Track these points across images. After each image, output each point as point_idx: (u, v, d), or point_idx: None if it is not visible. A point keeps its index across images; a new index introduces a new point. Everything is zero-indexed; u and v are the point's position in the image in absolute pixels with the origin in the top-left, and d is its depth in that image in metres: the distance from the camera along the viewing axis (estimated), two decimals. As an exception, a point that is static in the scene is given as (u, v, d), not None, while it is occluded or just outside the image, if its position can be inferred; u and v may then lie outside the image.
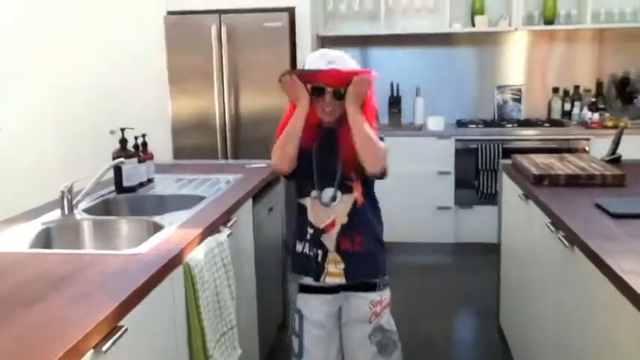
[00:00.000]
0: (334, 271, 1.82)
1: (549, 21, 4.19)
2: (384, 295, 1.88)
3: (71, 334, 1.08)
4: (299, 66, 4.57)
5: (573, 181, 2.26)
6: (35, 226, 1.85)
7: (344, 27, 4.50)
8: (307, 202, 1.84)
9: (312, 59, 1.81)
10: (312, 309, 1.87)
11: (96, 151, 2.29)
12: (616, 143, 2.74)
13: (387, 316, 1.89)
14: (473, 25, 4.31)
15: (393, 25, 4.42)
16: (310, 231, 1.83)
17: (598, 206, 1.92)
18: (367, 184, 1.85)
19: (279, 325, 2.92)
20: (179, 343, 1.57)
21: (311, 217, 1.83)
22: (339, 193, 1.80)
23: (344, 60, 1.78)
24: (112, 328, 1.18)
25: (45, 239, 1.85)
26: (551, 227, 1.90)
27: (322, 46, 4.53)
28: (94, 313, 1.16)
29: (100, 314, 1.16)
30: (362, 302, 1.85)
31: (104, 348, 1.12)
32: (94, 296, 1.26)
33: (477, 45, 4.51)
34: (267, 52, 3.97)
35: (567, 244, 1.74)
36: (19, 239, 1.75)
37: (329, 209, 1.80)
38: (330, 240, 1.81)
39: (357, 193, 1.82)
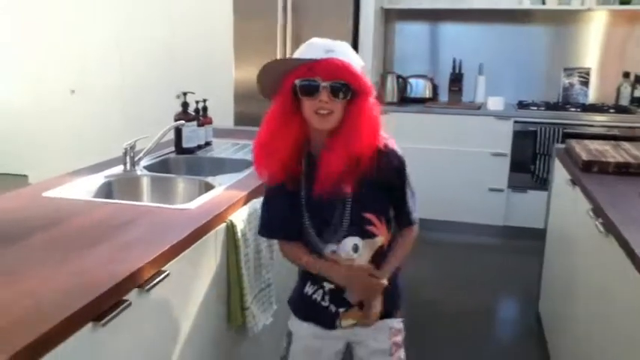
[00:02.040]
0: (348, 324, 1.54)
1: (626, 1, 4.01)
2: (401, 324, 1.59)
3: (119, 273, 1.22)
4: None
5: (624, 170, 2.22)
6: (99, 179, 2.03)
7: (409, 0, 4.47)
8: (320, 260, 1.48)
9: (303, 48, 1.39)
10: (308, 340, 1.59)
11: (161, 113, 2.45)
12: (678, 134, 2.64)
13: (403, 352, 1.59)
14: (543, 2, 4.18)
15: (460, 0, 4.35)
16: (330, 286, 1.51)
17: (643, 196, 1.90)
18: (387, 211, 1.50)
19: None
20: (219, 294, 1.70)
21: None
22: (360, 241, 1.46)
23: (346, 50, 1.39)
24: (155, 271, 1.31)
25: (107, 191, 2.02)
26: (591, 214, 1.89)
27: (386, 20, 4.53)
28: (141, 257, 1.30)
29: (145, 258, 1.29)
30: (381, 331, 1.55)
31: (147, 287, 1.26)
32: (143, 243, 1.40)
33: (547, 24, 4.38)
34: (329, 24, 4.02)
35: (603, 230, 1.74)
36: (84, 189, 1.92)
37: (350, 261, 1.46)
38: (352, 296, 1.49)
39: (381, 235, 1.47)
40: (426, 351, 2.65)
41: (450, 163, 4.12)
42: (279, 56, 4.13)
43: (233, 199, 1.78)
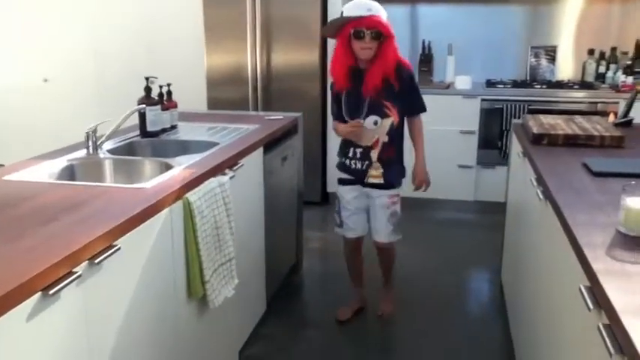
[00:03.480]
0: (375, 174, 2.51)
1: (588, -20, 4.08)
2: (398, 191, 2.58)
3: (71, 246, 1.28)
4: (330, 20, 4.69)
5: (572, 142, 2.32)
6: (61, 163, 2.08)
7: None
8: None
9: (352, 7, 2.33)
10: (347, 194, 2.60)
11: (134, 99, 2.51)
12: (629, 106, 2.74)
13: (399, 206, 2.60)
14: (508, -18, 4.25)
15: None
16: (359, 149, 2.49)
17: (584, 165, 1.98)
18: (399, 106, 2.45)
19: (291, 267, 3.13)
20: (177, 268, 1.78)
21: (359, 139, 2.47)
22: (379, 119, 2.44)
23: (379, 9, 2.34)
24: (106, 245, 1.38)
25: (69, 174, 2.08)
26: (534, 183, 1.98)
27: (355, 2, 4.58)
28: (92, 232, 1.36)
29: (96, 233, 1.36)
30: (386, 195, 2.55)
31: (96, 261, 1.33)
32: (95, 219, 1.47)
33: (514, 3, 4.45)
34: (298, 7, 4.08)
35: (542, 197, 1.83)
36: (45, 173, 1.98)
37: (373, 131, 2.44)
38: (375, 153, 2.48)
39: (393, 117, 2.45)
40: (400, 324, 2.75)
41: (421, 142, 4.19)
42: (249, 41, 4.18)
43: (189, 178, 1.85)
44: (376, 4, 2.35)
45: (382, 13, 2.34)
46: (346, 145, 2.54)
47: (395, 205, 2.58)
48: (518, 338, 2.33)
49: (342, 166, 2.59)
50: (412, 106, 2.53)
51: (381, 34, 2.32)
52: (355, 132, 2.44)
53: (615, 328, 1.00)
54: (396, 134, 2.48)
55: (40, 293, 1.17)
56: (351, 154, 2.52)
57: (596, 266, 1.19)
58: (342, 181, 2.61)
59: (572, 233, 1.40)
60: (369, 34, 2.30)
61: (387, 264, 2.78)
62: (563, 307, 1.52)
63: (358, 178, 2.53)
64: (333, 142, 4.33)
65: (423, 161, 2.58)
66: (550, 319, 1.69)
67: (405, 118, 2.54)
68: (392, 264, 2.80)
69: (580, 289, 1.21)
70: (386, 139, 2.46)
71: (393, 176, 2.53)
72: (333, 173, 4.36)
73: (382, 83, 2.37)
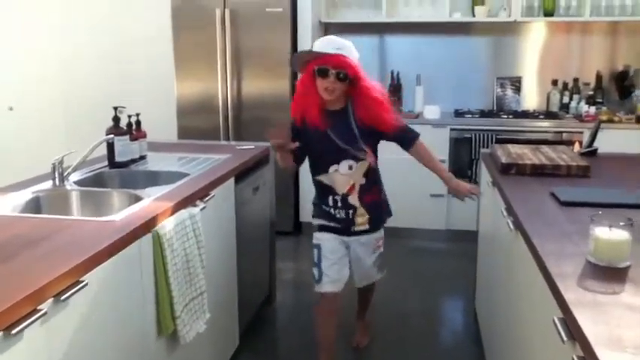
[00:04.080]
0: (361, 221, 2.37)
1: (549, 13, 4.23)
2: (382, 233, 2.49)
3: (34, 283, 1.24)
4: (302, 48, 4.67)
5: (539, 171, 2.36)
6: (26, 195, 2.03)
7: (346, 14, 4.60)
8: (326, 177, 2.31)
9: (321, 43, 2.20)
10: (328, 242, 2.38)
11: (102, 129, 2.47)
12: (593, 136, 2.81)
13: (382, 245, 2.51)
14: (473, 15, 4.37)
15: (394, 13, 4.50)
16: (337, 197, 2.32)
17: (552, 194, 2.02)
18: (375, 147, 2.35)
19: (264, 299, 3.08)
20: (147, 304, 1.73)
21: (334, 185, 2.31)
22: (354, 163, 2.28)
23: (350, 48, 2.19)
24: (72, 281, 1.34)
25: (35, 207, 2.02)
26: (504, 213, 2.01)
27: (325, 33, 4.63)
28: (57, 267, 1.32)
29: (62, 269, 1.32)
30: (372, 238, 2.44)
31: (62, 297, 1.28)
32: (61, 253, 1.42)
33: (480, 35, 4.57)
34: (269, 37, 4.11)
35: (512, 228, 1.85)
36: (9, 205, 1.92)
37: (348, 176, 2.29)
38: (355, 199, 2.32)
39: (369, 159, 2.30)
40: (372, 352, 2.72)
41: (393, 171, 4.18)
42: (219, 70, 4.18)
43: (159, 210, 1.81)
44: (348, 43, 2.19)
45: (353, 54, 2.18)
46: (324, 193, 2.35)
47: (381, 247, 2.50)
48: (491, 368, 2.33)
49: (324, 214, 2.38)
50: (404, 138, 2.38)
51: (346, 76, 2.14)
52: (279, 151, 2.22)
53: (590, 360, 1.00)
54: (373, 174, 2.35)
55: (1, 333, 1.12)
56: (331, 203, 2.34)
57: (568, 297, 1.20)
58: (324, 228, 2.39)
59: (543, 263, 1.41)
60: (333, 74, 2.13)
61: (367, 299, 2.72)
62: (537, 337, 1.52)
63: (345, 226, 2.37)
64: (305, 172, 4.34)
65: (450, 175, 2.44)
66: (525, 350, 1.70)
67: (407, 151, 2.41)
68: (372, 298, 2.74)
69: (554, 321, 1.22)
70: (363, 181, 2.31)
71: (379, 219, 2.44)
72: (306, 203, 4.39)
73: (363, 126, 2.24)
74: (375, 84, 2.24)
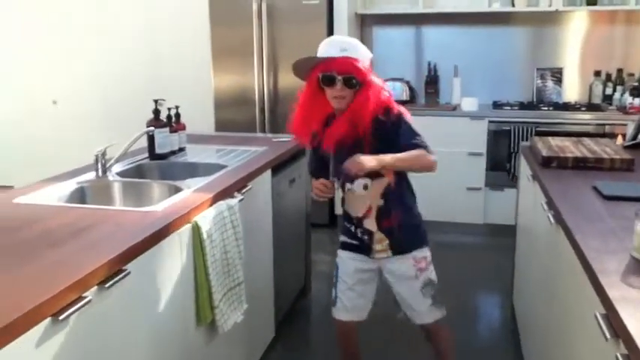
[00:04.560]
0: (381, 249, 1.99)
1: (592, 2, 4.11)
2: (425, 252, 2.02)
3: (79, 271, 1.28)
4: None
5: (582, 164, 2.30)
6: (70, 185, 2.09)
7: (382, 5, 4.56)
8: (345, 195, 2.00)
9: (324, 48, 1.87)
10: (345, 264, 2.06)
11: (142, 121, 2.53)
12: (637, 128, 2.73)
13: (433, 272, 2.03)
14: (513, 4, 4.28)
15: (432, 4, 4.45)
16: (353, 220, 2.00)
17: (595, 188, 1.97)
18: None
19: (299, 291, 3.10)
20: (186, 293, 1.76)
21: (349, 208, 2.01)
22: (369, 181, 1.92)
23: (357, 47, 1.86)
24: (115, 270, 1.37)
25: (79, 197, 2.08)
26: (545, 206, 1.97)
27: (362, 25, 4.62)
28: (102, 256, 1.36)
29: (106, 257, 1.36)
30: (406, 259, 1.99)
31: (107, 285, 1.32)
32: (105, 243, 1.47)
33: (519, 25, 4.47)
34: (305, 30, 4.10)
35: (553, 222, 1.81)
36: (55, 196, 1.98)
37: (363, 197, 1.94)
38: (371, 223, 1.96)
39: (388, 177, 1.92)
40: (407, 347, 2.71)
41: (428, 164, 4.19)
42: (255, 63, 4.21)
43: (198, 201, 1.84)
44: (354, 42, 1.88)
45: (361, 53, 1.85)
46: (344, 209, 2.05)
47: (425, 271, 2.00)
48: (529, 364, 2.30)
49: (345, 230, 2.06)
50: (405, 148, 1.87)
51: (357, 81, 1.82)
52: (318, 194, 1.98)
53: (633, 358, 0.98)
54: (395, 195, 1.94)
55: (49, 319, 1.17)
56: (352, 221, 2.02)
57: (612, 294, 1.17)
58: (344, 246, 2.07)
59: (585, 259, 1.39)
60: (340, 81, 1.81)
61: (437, 350, 2.14)
62: (578, 334, 1.49)
63: (364, 247, 2.01)
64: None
65: (382, 157, 1.83)
66: (564, 347, 1.67)
67: None
68: (448, 351, 2.15)
69: (596, 317, 1.19)
70: (380, 202, 1.94)
71: (405, 240, 1.99)
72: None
73: (351, 134, 1.86)
74: (380, 89, 1.87)
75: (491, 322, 3.06)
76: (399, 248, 1.98)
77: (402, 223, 1.97)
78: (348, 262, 2.05)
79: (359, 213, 1.97)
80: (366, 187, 1.93)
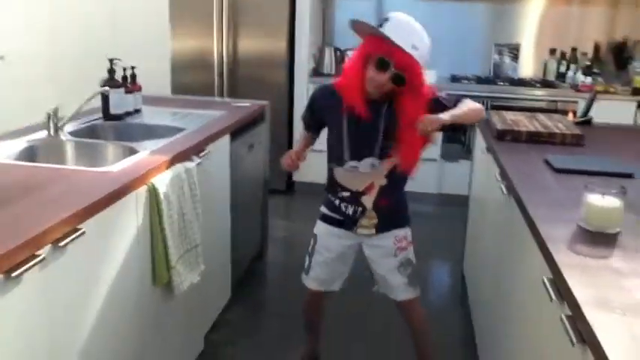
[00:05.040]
0: (366, 225, 1.96)
1: (552, -20, 4.18)
2: (407, 231, 2.02)
3: (33, 229, 1.25)
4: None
5: (535, 139, 2.37)
6: (20, 144, 2.01)
7: (347, -27, 4.51)
8: (339, 171, 1.93)
9: (397, 28, 1.74)
10: (326, 237, 2.03)
11: (95, 81, 2.44)
12: (588, 106, 2.83)
13: (412, 251, 2.04)
14: (475, -20, 4.31)
15: (396, -25, 4.42)
16: (346, 193, 1.93)
17: (546, 161, 2.04)
18: None
19: (255, 254, 3.12)
20: (142, 254, 1.75)
21: (345, 182, 1.93)
22: (377, 161, 1.87)
23: (425, 49, 1.77)
24: (71, 229, 1.35)
25: (29, 155, 2.01)
26: (498, 177, 2.03)
27: (324, -8, 4.56)
28: (56, 215, 1.33)
29: (60, 216, 1.32)
30: (388, 237, 1.98)
31: (61, 244, 1.30)
32: (59, 202, 1.43)
33: (479, 1, 4.52)
34: (267, -5, 4.04)
35: (505, 192, 1.87)
36: (3, 154, 1.91)
37: (367, 174, 1.89)
38: (369, 200, 1.91)
39: (396, 157, 1.85)
40: (361, 315, 2.77)
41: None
42: (215, 25, 4.11)
43: (155, 163, 1.81)
44: (427, 41, 1.79)
45: (425, 56, 1.78)
46: (333, 183, 1.98)
47: (404, 250, 2.00)
48: (480, 329, 2.39)
49: (328, 203, 2.02)
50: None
51: (403, 81, 1.74)
52: (289, 164, 2.01)
53: (578, 319, 1.04)
54: (397, 176, 1.91)
55: (1, 276, 1.14)
56: (339, 195, 1.96)
57: (559, 259, 1.23)
58: (325, 219, 2.03)
59: (535, 227, 1.44)
60: (392, 73, 1.72)
61: (416, 331, 2.12)
62: (525, 298, 1.56)
63: (348, 222, 1.98)
64: (299, 131, 4.33)
65: (446, 115, 1.75)
66: (512, 311, 1.74)
67: None
68: (423, 332, 2.13)
69: (543, 281, 1.25)
70: (384, 182, 1.89)
71: (392, 219, 1.98)
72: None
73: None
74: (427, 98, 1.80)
75: (441, 288, 3.16)
76: (384, 227, 1.97)
77: (395, 203, 1.97)
78: (329, 236, 2.03)
79: (359, 188, 1.91)
80: (373, 166, 1.89)
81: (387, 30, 1.73)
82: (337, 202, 1.97)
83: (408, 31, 1.75)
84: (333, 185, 1.98)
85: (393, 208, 1.97)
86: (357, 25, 1.81)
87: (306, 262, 2.09)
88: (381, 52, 1.72)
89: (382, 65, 1.73)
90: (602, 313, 1.01)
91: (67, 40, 4.64)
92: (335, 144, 1.93)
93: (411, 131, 1.72)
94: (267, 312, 2.78)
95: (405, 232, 2.01)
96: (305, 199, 4.32)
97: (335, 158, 1.94)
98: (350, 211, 1.95)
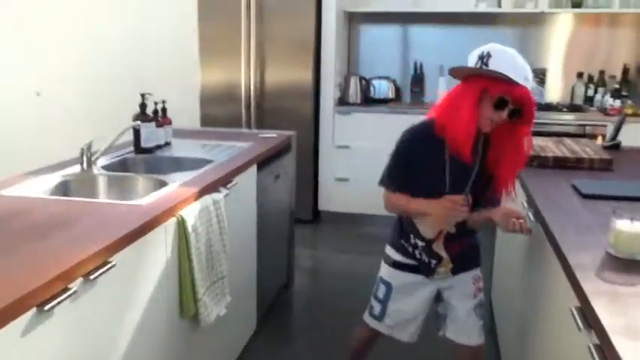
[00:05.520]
0: (443, 271, 1.92)
1: (577, 4, 4.18)
2: (480, 273, 2.00)
3: (65, 262, 1.29)
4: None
5: (562, 164, 2.35)
6: (55, 178, 2.09)
7: (371, 3, 4.58)
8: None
9: (507, 63, 1.69)
10: (405, 285, 1.95)
11: (127, 115, 2.53)
12: (617, 129, 2.79)
13: (482, 293, 2.01)
14: (499, 5, 4.33)
15: (420, 3, 4.48)
16: (421, 243, 1.89)
17: (573, 187, 2.01)
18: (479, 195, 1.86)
19: (281, 285, 3.13)
20: (171, 286, 1.78)
21: (421, 227, 1.87)
22: (468, 197, 1.82)
23: (531, 78, 1.74)
24: (101, 262, 1.38)
25: (63, 190, 2.08)
26: (525, 204, 2.01)
27: (350, 22, 4.64)
28: (87, 248, 1.37)
29: (92, 249, 1.36)
30: (467, 278, 1.95)
31: (92, 277, 1.33)
32: (91, 235, 1.47)
33: (505, 25, 4.53)
34: (293, 25, 4.14)
35: (533, 219, 1.85)
36: (39, 188, 1.98)
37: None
38: (440, 247, 1.88)
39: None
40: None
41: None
42: (243, 58, 4.21)
43: (184, 195, 1.85)
44: (530, 70, 1.73)
45: (531, 85, 1.73)
46: (405, 227, 1.92)
47: (481, 291, 1.99)
48: (508, 358, 2.34)
49: (401, 249, 1.95)
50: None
51: (520, 114, 1.70)
52: (452, 212, 1.78)
53: (605, 348, 1.02)
54: (465, 223, 1.88)
55: (35, 309, 1.18)
56: (412, 242, 1.91)
57: (587, 287, 1.21)
58: (398, 265, 1.97)
59: (562, 254, 1.42)
60: (510, 110, 1.69)
61: None
62: (553, 326, 1.54)
63: (424, 268, 1.93)
64: (325, 160, 4.38)
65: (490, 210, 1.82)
66: (541, 339, 1.71)
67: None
68: None
69: (571, 310, 1.23)
70: (453, 230, 1.86)
71: (467, 266, 1.95)
72: (325, 191, 4.42)
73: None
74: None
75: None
76: (460, 268, 1.93)
77: (468, 246, 1.94)
78: (407, 283, 1.95)
79: (430, 235, 1.87)
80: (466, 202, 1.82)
81: (496, 66, 1.68)
82: (411, 248, 1.92)
83: (516, 63, 1.70)
84: (404, 228, 1.92)
85: (466, 250, 1.93)
86: (455, 72, 1.79)
87: (377, 309, 2.01)
88: (499, 91, 1.67)
89: (502, 104, 1.68)
90: (630, 342, 0.99)
91: (99, 75, 4.80)
92: (431, 185, 1.82)
93: (517, 151, 1.77)
94: (293, 342, 2.77)
95: (479, 273, 1.99)
96: (331, 228, 4.33)
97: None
98: (425, 258, 1.91)
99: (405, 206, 1.86)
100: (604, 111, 4.09)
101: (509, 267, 2.49)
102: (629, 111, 3.94)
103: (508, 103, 1.68)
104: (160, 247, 1.70)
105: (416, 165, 1.83)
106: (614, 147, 2.73)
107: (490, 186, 1.85)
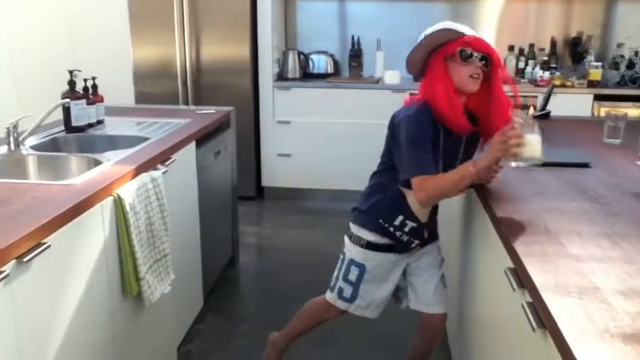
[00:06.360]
0: (415, 246, 1.91)
1: (507, -21, 4.28)
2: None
3: (-5, 246, 1.23)
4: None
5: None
6: (-20, 159, 1.98)
7: (307, -22, 4.55)
8: (411, 196, 1.77)
9: (441, 26, 1.74)
10: (378, 267, 1.91)
11: (56, 93, 2.41)
12: (546, 100, 2.90)
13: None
14: (433, -20, 4.39)
15: (355, -22, 4.48)
16: (413, 224, 1.84)
17: (506, 155, 2.09)
18: None
19: (227, 261, 3.11)
20: (110, 266, 1.73)
21: (417, 210, 1.83)
22: None
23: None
24: (35, 244, 1.33)
25: (-10, 171, 1.98)
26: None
27: (285, -3, 4.59)
28: (19, 230, 1.31)
29: (24, 231, 1.31)
30: (433, 249, 1.98)
31: (25, 259, 1.28)
32: (22, 216, 1.41)
33: (439, 0, 4.60)
34: (227, 0, 4.03)
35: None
36: (-36, 170, 1.87)
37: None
38: (427, 229, 1.90)
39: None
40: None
41: (351, 136, 4.27)
42: (177, 33, 4.10)
43: (120, 174, 1.80)
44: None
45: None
46: (395, 209, 1.84)
47: (444, 260, 2.04)
48: (448, 322, 2.43)
49: (379, 230, 1.87)
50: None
51: (489, 61, 1.70)
52: (510, 144, 1.57)
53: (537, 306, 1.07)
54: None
55: (-36, 295, 1.12)
56: (397, 223, 1.84)
57: (519, 249, 1.27)
58: (372, 247, 1.89)
59: (496, 218, 1.48)
60: (477, 58, 1.68)
61: (434, 343, 2.10)
62: (489, 287, 1.60)
63: (401, 246, 1.89)
64: (266, 137, 4.35)
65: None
66: (476, 300, 1.78)
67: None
68: (437, 341, 2.12)
69: (505, 271, 1.29)
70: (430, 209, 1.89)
71: (434, 237, 2.01)
72: (267, 168, 4.40)
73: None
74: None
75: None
76: (429, 242, 1.96)
77: (434, 220, 1.95)
78: (382, 264, 1.91)
79: (424, 218, 1.86)
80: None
81: (437, 32, 1.72)
82: (392, 229, 1.85)
83: (454, 24, 1.74)
84: (392, 210, 1.84)
85: (434, 223, 1.96)
86: (412, 59, 1.78)
87: (348, 291, 1.95)
88: (456, 45, 1.69)
89: (467, 55, 1.67)
90: (560, 297, 1.04)
91: (26, 55, 4.55)
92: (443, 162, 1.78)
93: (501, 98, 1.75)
94: (240, 319, 2.77)
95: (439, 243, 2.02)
96: (274, 204, 4.32)
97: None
98: (404, 238, 1.87)
99: (460, 178, 1.64)
100: (534, 82, 4.25)
101: (448, 237, 2.57)
102: (557, 82, 4.11)
103: (472, 52, 1.67)
104: (97, 226, 1.65)
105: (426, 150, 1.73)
106: (545, 116, 2.84)
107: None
